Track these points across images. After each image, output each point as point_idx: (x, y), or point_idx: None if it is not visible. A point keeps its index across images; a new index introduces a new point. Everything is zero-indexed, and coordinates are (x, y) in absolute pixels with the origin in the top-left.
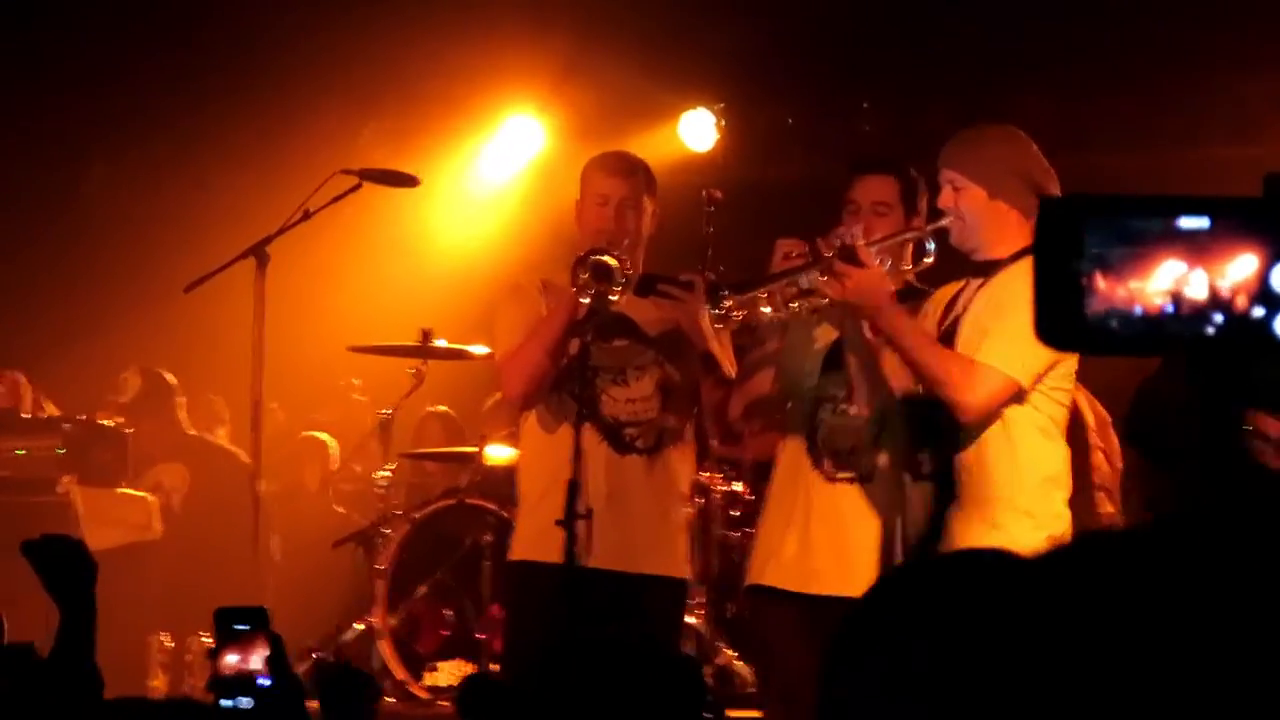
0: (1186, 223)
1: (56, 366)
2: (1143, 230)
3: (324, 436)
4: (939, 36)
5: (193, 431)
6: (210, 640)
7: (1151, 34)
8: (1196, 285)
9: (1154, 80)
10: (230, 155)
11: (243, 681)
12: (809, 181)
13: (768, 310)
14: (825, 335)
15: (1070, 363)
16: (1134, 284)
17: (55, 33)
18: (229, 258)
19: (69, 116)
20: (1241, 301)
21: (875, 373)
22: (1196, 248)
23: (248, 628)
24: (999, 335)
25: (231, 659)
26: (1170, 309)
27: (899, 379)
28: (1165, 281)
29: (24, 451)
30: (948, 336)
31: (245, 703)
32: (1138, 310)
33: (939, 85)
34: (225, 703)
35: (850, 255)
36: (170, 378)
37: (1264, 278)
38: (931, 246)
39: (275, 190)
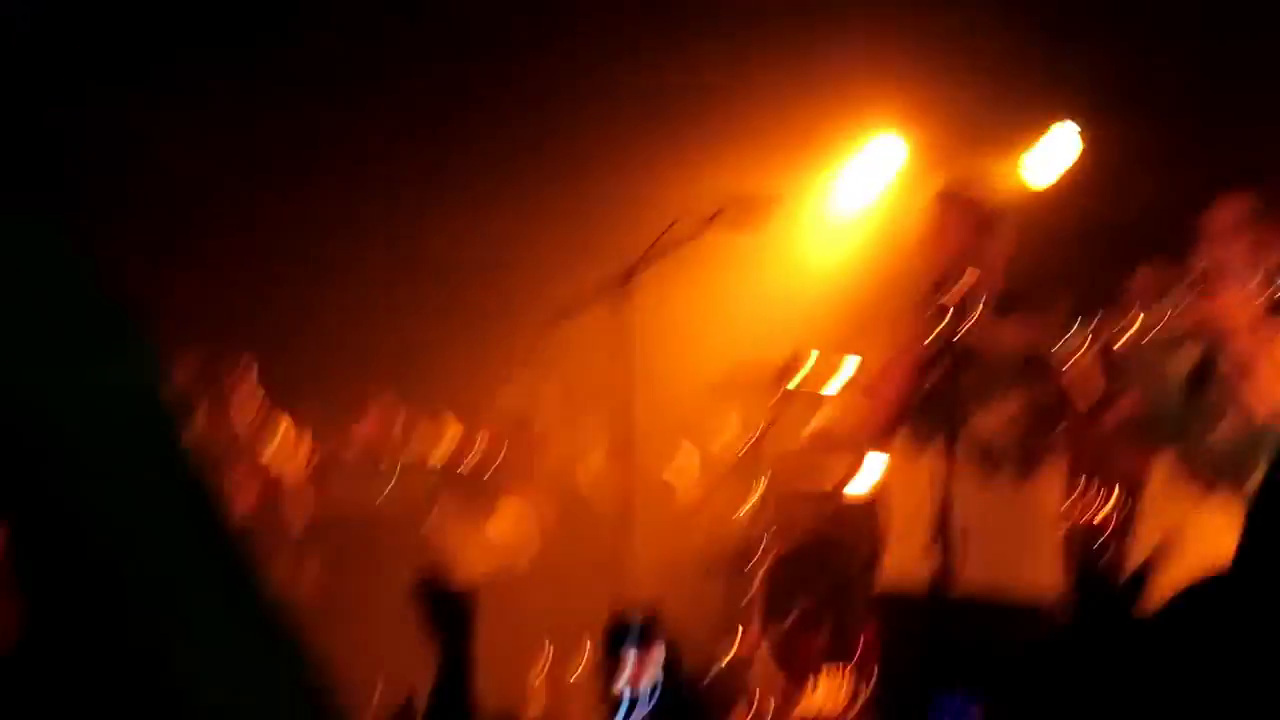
0: None
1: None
2: None
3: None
4: None
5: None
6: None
7: None
8: None
9: None
10: (592, 187)
11: (640, 691)
12: (1169, 205)
13: (1132, 331)
14: (1189, 355)
15: None
16: None
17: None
18: (594, 290)
19: (438, 163)
20: None
21: (1245, 391)
22: None
23: (642, 638)
24: None
25: (628, 670)
26: None
27: (1270, 400)
28: None
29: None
30: None
31: (641, 712)
32: None
33: None
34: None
35: (1213, 278)
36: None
37: None
38: None
39: (638, 219)
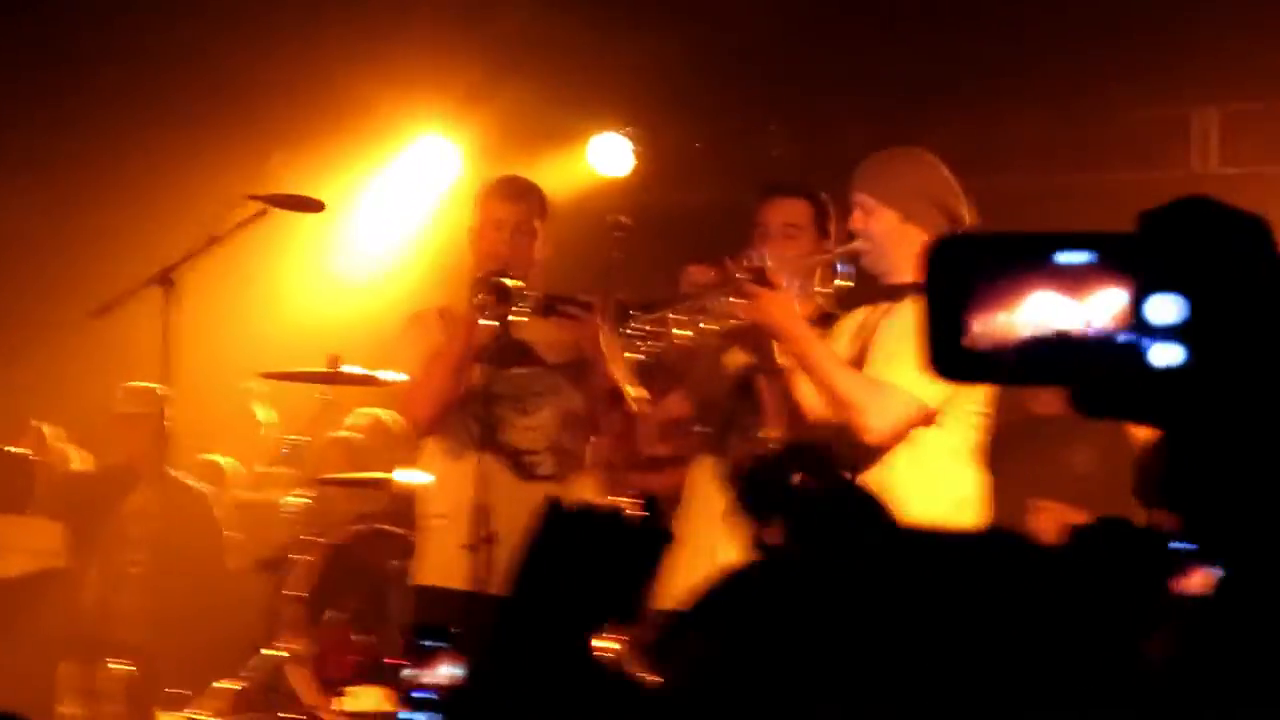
0: (1063, 258)
1: None
2: (1021, 265)
3: (220, 459)
4: (849, 60)
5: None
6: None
7: (1060, 60)
8: (1072, 316)
9: (1061, 105)
10: (136, 181)
11: (430, 697)
12: (718, 206)
13: (678, 332)
14: (735, 360)
15: (984, 389)
16: (1010, 316)
17: None
18: (136, 283)
19: None
20: (1114, 330)
21: (787, 396)
22: (1073, 281)
23: (438, 644)
24: (907, 359)
25: (420, 674)
26: (1045, 339)
27: (812, 402)
28: (1041, 313)
29: None
30: (857, 360)
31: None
32: (1014, 341)
33: (849, 109)
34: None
35: (760, 277)
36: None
37: (1136, 308)
38: (845, 269)
39: (182, 216)
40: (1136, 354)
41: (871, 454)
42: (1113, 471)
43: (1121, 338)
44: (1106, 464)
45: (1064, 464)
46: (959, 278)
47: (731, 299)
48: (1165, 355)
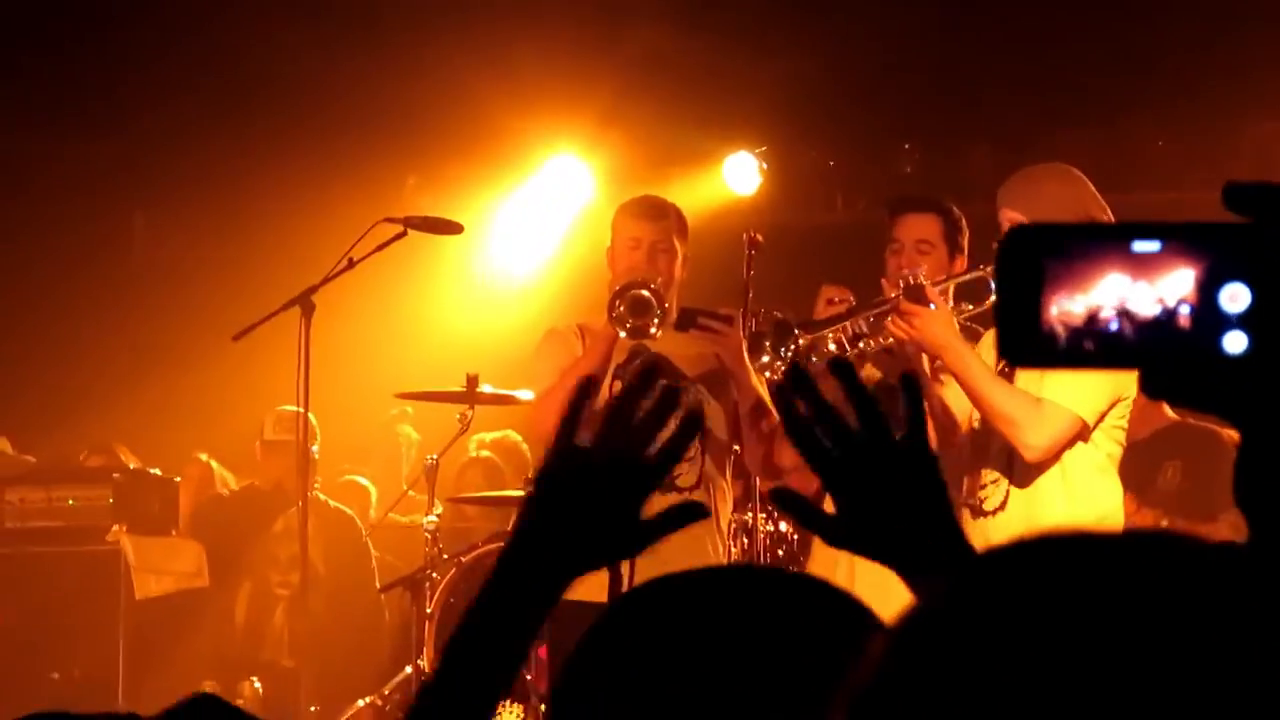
0: (1140, 246)
1: (106, 414)
2: (1094, 251)
3: (365, 482)
4: (979, 78)
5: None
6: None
7: (1184, 77)
8: (1144, 302)
9: (1186, 122)
10: (275, 205)
11: None
12: (850, 224)
13: (833, 348)
14: (869, 376)
15: (1128, 401)
16: (1084, 301)
17: (98, 83)
18: (275, 307)
19: (113, 167)
20: (1187, 317)
21: (931, 412)
22: (1146, 266)
23: None
24: (1061, 374)
25: None
26: (1119, 323)
27: (960, 418)
28: (1113, 298)
29: (74, 501)
30: (1006, 377)
31: None
32: (1087, 324)
33: (980, 126)
34: None
35: (917, 294)
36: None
37: (1210, 295)
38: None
39: (320, 239)
40: (1211, 340)
41: (1019, 470)
42: (1197, 490)
43: (1196, 323)
44: (1190, 482)
45: (1146, 487)
46: (1031, 264)
47: (886, 318)
48: (1237, 343)
